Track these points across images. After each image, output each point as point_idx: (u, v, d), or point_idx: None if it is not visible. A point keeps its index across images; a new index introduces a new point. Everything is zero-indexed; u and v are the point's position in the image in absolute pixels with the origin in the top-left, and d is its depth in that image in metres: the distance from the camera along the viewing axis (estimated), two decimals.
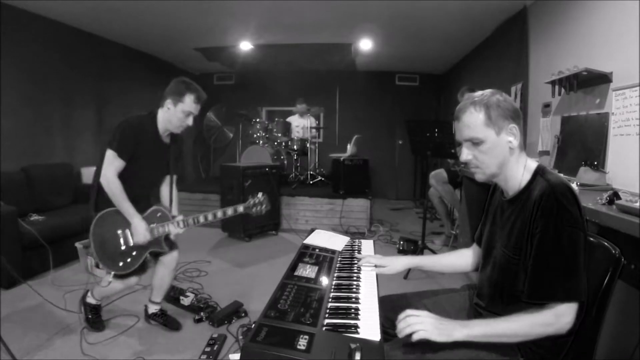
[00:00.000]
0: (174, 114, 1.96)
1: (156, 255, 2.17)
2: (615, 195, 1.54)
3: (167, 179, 2.22)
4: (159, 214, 2.06)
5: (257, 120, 5.44)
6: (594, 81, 2.41)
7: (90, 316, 2.19)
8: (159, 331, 2.20)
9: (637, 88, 2.03)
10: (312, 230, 1.77)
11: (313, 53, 5.66)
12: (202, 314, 2.33)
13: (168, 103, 1.96)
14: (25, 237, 2.79)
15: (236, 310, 2.36)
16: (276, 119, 5.39)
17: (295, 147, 5.19)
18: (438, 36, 4.73)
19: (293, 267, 1.32)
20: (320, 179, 5.27)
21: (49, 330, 2.15)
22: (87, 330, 2.14)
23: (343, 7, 3.86)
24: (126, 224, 1.95)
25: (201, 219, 2.04)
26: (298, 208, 4.62)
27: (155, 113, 2.01)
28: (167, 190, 2.21)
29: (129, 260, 1.97)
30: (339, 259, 1.47)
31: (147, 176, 2.08)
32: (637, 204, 1.35)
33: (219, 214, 2.05)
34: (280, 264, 3.26)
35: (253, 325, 1.06)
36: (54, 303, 2.34)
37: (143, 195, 2.08)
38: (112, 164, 1.89)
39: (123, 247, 1.96)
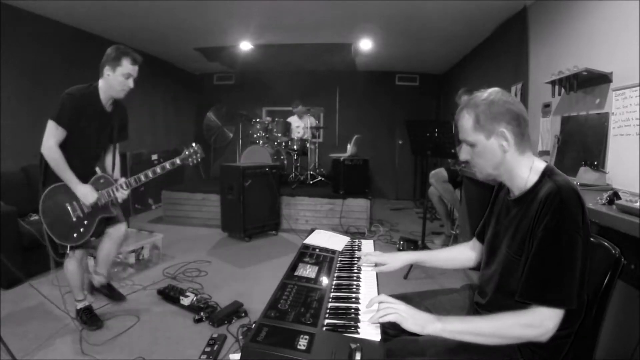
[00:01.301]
0: (115, 79, 2.02)
1: (105, 226, 2.23)
2: (615, 195, 1.54)
3: (111, 147, 2.29)
4: (102, 180, 2.15)
5: (257, 120, 5.44)
6: (594, 81, 2.41)
7: (85, 319, 2.21)
8: (158, 331, 2.20)
9: (637, 88, 2.03)
10: (312, 230, 1.77)
11: (313, 53, 5.66)
12: (202, 314, 2.33)
13: (107, 70, 2.01)
14: (25, 237, 2.78)
15: (236, 310, 2.36)
16: (276, 119, 5.39)
17: (295, 147, 5.19)
18: (438, 36, 4.73)
19: (293, 267, 1.32)
20: (320, 179, 5.27)
21: (49, 330, 2.15)
22: (87, 330, 2.15)
23: (343, 7, 3.86)
24: (73, 195, 2.02)
25: (142, 178, 2.11)
26: (298, 208, 4.62)
27: (96, 84, 2.07)
28: (110, 157, 2.29)
29: (82, 229, 2.07)
30: (339, 259, 1.46)
31: (92, 146, 2.13)
32: (637, 204, 1.35)
33: (158, 169, 2.10)
34: (280, 264, 3.26)
35: (253, 325, 1.07)
36: (54, 303, 2.33)
37: (88, 166, 2.15)
38: (52, 133, 1.95)
39: (74, 219, 2.04)
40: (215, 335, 2.08)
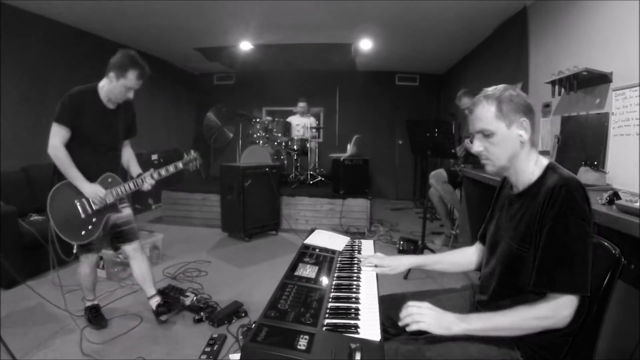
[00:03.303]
0: (116, 87, 2.01)
1: (118, 240, 2.23)
2: (615, 195, 1.54)
3: (126, 144, 2.30)
4: (110, 180, 2.13)
5: (257, 120, 5.44)
6: (594, 81, 2.41)
7: (90, 317, 2.23)
8: (158, 331, 2.20)
9: (637, 88, 2.03)
10: (312, 230, 1.77)
11: (313, 53, 5.66)
12: (202, 314, 2.33)
13: (111, 76, 1.99)
14: (25, 237, 2.79)
15: (236, 310, 2.36)
16: (276, 119, 5.39)
17: (295, 147, 5.18)
18: (438, 36, 4.73)
19: (293, 267, 1.32)
20: (320, 179, 5.27)
21: (48, 330, 2.15)
22: (91, 328, 2.17)
23: (343, 7, 3.86)
24: (80, 193, 2.02)
25: (155, 175, 2.13)
26: (298, 208, 4.62)
27: (97, 83, 2.06)
28: (126, 154, 2.30)
29: (90, 227, 2.06)
30: (339, 259, 1.46)
31: (96, 144, 2.10)
32: (637, 204, 1.36)
33: (163, 172, 2.14)
34: (280, 264, 3.26)
35: (253, 325, 1.06)
36: (53, 302, 2.33)
37: (100, 166, 2.12)
38: (56, 133, 1.96)
39: (82, 216, 2.03)
40: (215, 335, 2.08)
